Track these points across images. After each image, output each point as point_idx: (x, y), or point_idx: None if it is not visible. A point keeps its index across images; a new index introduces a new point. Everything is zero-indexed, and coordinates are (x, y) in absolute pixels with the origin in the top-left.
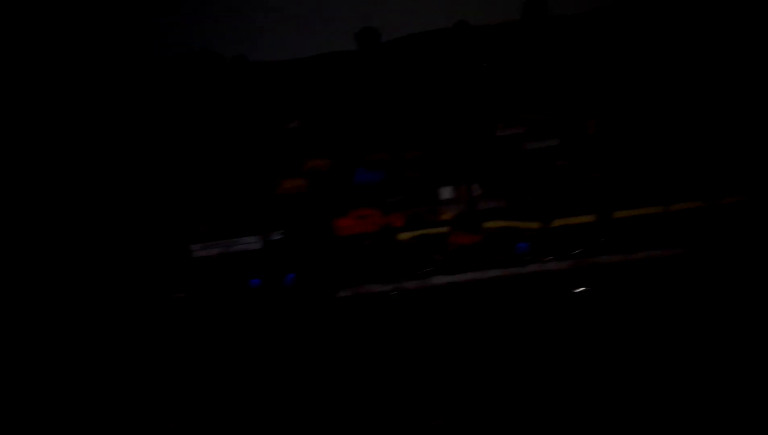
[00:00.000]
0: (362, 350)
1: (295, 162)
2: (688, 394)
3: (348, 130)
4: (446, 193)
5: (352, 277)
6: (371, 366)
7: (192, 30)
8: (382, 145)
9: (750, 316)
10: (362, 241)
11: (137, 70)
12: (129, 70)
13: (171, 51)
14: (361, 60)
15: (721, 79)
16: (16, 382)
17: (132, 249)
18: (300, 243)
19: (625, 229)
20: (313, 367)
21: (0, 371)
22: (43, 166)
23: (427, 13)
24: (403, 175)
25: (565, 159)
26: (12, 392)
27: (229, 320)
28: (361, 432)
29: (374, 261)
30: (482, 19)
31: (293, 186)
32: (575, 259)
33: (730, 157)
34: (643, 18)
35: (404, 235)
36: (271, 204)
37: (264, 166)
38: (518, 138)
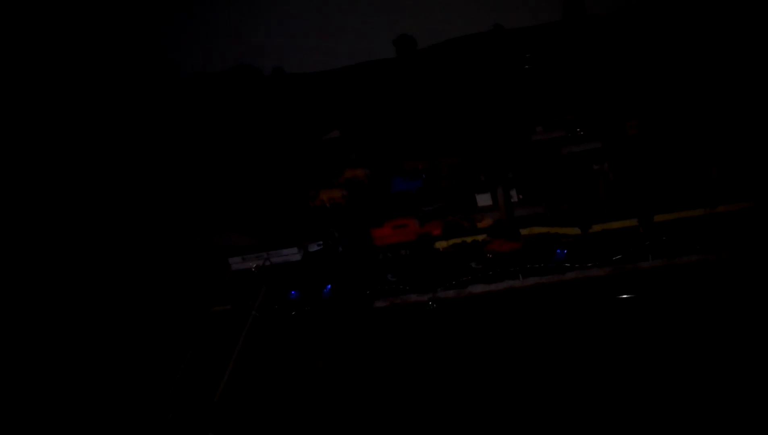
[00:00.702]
0: (400, 361)
1: (334, 172)
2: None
3: (386, 138)
4: (483, 200)
5: (389, 287)
6: (410, 376)
7: (231, 46)
8: (419, 153)
9: None
10: (399, 251)
11: (177, 87)
12: (169, 88)
13: (211, 67)
14: (399, 67)
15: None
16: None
17: (170, 263)
18: (338, 254)
19: (668, 232)
20: (350, 378)
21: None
22: (87, 182)
23: (463, 17)
24: (440, 183)
25: (605, 162)
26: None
27: (269, 331)
28: None
29: (411, 271)
30: (521, 21)
31: (332, 196)
32: (616, 265)
33: None
34: (686, 15)
35: (441, 244)
36: (310, 215)
37: (303, 177)
38: (556, 141)
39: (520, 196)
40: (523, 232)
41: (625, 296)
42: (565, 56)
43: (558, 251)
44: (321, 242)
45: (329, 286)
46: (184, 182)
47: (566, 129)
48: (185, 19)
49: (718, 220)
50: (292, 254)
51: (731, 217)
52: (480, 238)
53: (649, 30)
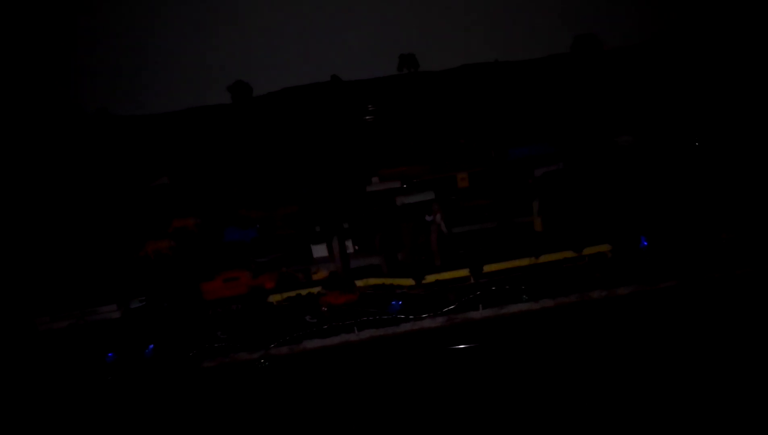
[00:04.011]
0: (228, 425)
1: (162, 221)
2: None
3: (219, 186)
4: (319, 251)
5: (218, 345)
6: None
7: (55, 83)
8: (254, 202)
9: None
10: (230, 306)
11: None
12: None
13: (31, 105)
14: (233, 113)
15: (582, 134)
16: None
17: None
18: (162, 310)
19: (497, 282)
20: None
21: None
22: None
23: (302, 68)
24: (276, 233)
25: (437, 213)
26: None
27: (81, 399)
28: None
29: (243, 327)
30: (358, 74)
31: (158, 248)
32: (448, 316)
33: (596, 207)
34: (509, 74)
35: (275, 297)
36: (134, 268)
37: (128, 226)
38: (391, 192)
39: (356, 247)
40: (359, 283)
41: (457, 347)
42: (399, 108)
43: (393, 303)
44: (144, 298)
45: (152, 345)
46: None
47: (401, 180)
48: None
49: (544, 269)
50: (111, 312)
51: (556, 266)
52: (315, 290)
53: (479, 84)
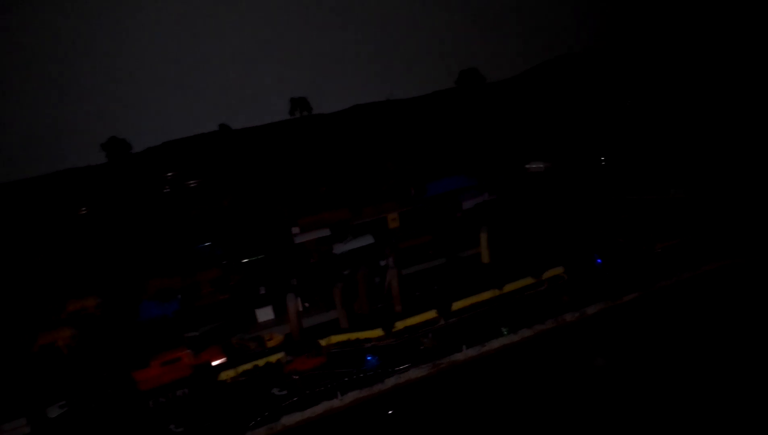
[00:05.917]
0: None
1: (51, 307)
2: None
3: (116, 256)
4: (265, 314)
5: None
6: None
7: None
8: (166, 269)
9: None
10: (175, 392)
11: None
12: None
13: None
14: (111, 173)
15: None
16: None
17: None
18: (92, 412)
19: (468, 319)
20: None
21: None
22: None
23: (186, 117)
24: (203, 301)
25: (391, 257)
26: None
27: None
28: None
29: (199, 414)
30: (247, 121)
31: (57, 339)
32: (433, 363)
33: (539, 233)
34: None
35: (228, 374)
36: (37, 368)
37: (13, 319)
38: (325, 241)
39: (306, 305)
40: (321, 342)
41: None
42: (297, 153)
43: (368, 358)
44: (64, 402)
45: None
46: None
47: (328, 227)
48: None
49: (510, 298)
50: (19, 428)
51: (519, 293)
52: (274, 358)
53: (376, 123)
